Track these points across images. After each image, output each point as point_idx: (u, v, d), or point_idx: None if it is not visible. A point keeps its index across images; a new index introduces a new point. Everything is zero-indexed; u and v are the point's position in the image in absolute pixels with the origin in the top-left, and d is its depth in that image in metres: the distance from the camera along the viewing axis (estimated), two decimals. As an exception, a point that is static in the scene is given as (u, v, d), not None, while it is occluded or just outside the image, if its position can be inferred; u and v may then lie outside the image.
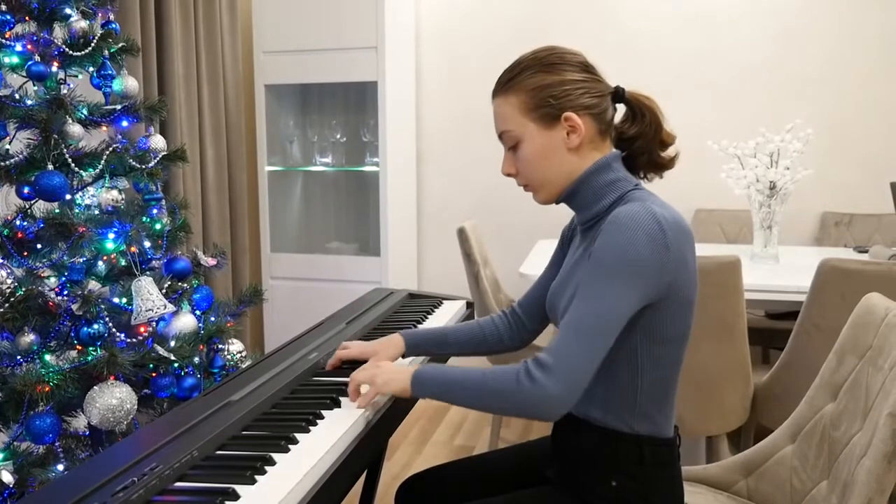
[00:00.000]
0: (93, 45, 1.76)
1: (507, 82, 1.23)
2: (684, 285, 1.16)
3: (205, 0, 3.14)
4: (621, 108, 1.29)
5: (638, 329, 1.16)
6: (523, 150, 1.23)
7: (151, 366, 1.69)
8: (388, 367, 1.25)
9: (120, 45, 1.86)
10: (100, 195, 1.75)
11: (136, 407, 1.58)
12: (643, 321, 1.15)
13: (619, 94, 1.26)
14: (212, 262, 2.03)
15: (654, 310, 1.15)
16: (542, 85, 1.20)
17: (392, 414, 1.31)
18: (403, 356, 1.48)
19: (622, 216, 1.12)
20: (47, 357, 1.60)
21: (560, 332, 1.11)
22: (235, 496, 0.92)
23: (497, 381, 1.12)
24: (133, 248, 1.78)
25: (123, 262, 1.80)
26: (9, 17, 1.66)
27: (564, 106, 1.20)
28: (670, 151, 1.28)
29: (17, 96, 1.66)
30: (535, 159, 1.23)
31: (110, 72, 1.82)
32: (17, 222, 1.69)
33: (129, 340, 1.68)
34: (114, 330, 1.65)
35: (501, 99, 1.24)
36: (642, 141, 1.25)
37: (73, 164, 1.68)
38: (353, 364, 1.40)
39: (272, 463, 1.02)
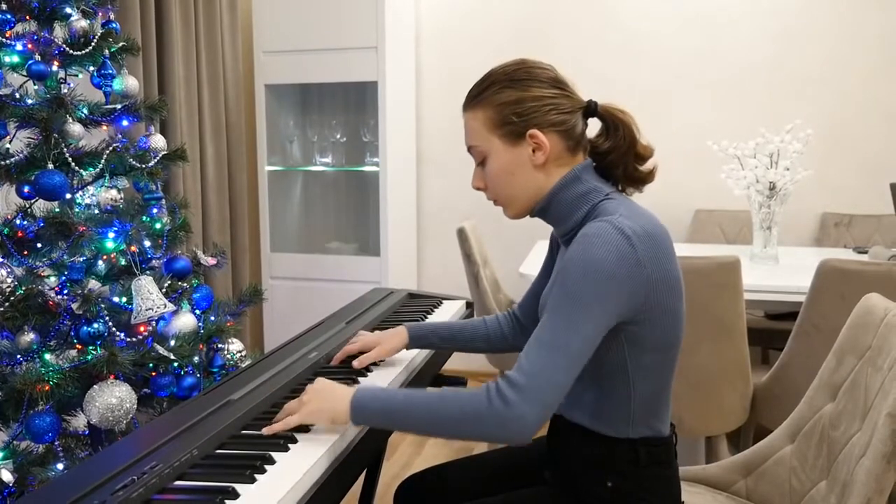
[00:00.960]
0: (93, 44, 1.76)
1: (476, 97, 1.22)
2: (665, 296, 1.13)
3: (205, 0, 3.15)
4: (598, 122, 1.26)
5: (624, 342, 1.15)
6: (490, 166, 1.22)
7: (151, 365, 1.69)
8: (321, 392, 1.15)
9: (120, 44, 1.86)
10: (100, 194, 1.75)
11: (135, 406, 1.58)
12: (628, 334, 1.14)
13: (591, 109, 1.23)
14: (212, 261, 2.03)
15: (637, 323, 1.13)
16: (508, 101, 1.18)
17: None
18: (407, 348, 1.48)
19: (590, 235, 1.09)
20: (47, 356, 1.60)
21: (530, 350, 1.07)
22: (235, 495, 0.92)
23: (462, 403, 1.06)
24: (133, 248, 1.78)
25: (123, 262, 1.80)
26: (9, 16, 1.66)
27: (529, 123, 1.18)
28: (648, 165, 1.24)
29: (17, 95, 1.66)
30: (501, 175, 1.22)
31: (110, 71, 1.82)
32: (18, 221, 1.69)
33: (128, 340, 1.68)
34: (113, 329, 1.65)
35: (470, 114, 1.23)
36: (615, 155, 1.22)
37: (73, 164, 1.68)
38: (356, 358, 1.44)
39: (272, 462, 1.02)
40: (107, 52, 1.81)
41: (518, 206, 1.24)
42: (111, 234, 1.75)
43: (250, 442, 1.10)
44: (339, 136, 3.59)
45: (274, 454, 1.04)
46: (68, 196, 1.68)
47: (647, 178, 1.25)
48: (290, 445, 1.07)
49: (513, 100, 1.18)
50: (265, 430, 1.13)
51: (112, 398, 1.53)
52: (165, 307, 1.71)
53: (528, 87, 1.19)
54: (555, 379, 1.04)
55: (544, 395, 1.03)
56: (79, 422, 1.81)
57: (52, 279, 1.69)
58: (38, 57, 1.68)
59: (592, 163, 1.24)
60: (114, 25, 1.88)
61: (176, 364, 1.74)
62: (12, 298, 1.54)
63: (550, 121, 1.18)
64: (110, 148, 1.76)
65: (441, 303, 2.00)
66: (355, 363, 1.42)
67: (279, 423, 1.13)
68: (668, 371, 1.20)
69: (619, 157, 1.22)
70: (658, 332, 1.15)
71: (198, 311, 1.90)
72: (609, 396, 1.19)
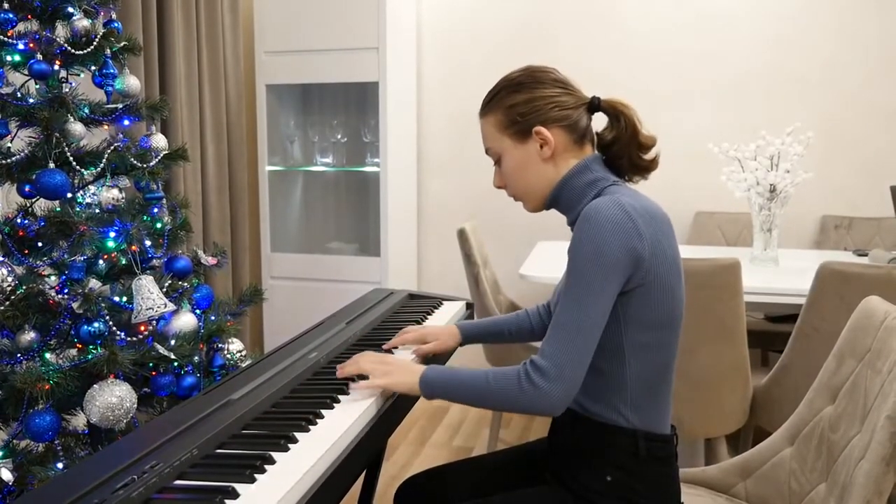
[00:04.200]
0: (95, 43, 1.76)
1: (487, 104, 1.34)
2: (662, 271, 1.19)
3: (206, 0, 3.15)
4: (604, 116, 1.34)
5: (619, 316, 1.20)
6: (505, 165, 1.33)
7: (151, 364, 1.69)
8: (399, 365, 1.29)
9: (122, 44, 1.86)
10: (101, 194, 1.75)
11: (135, 405, 1.58)
12: (623, 308, 1.20)
13: (594, 105, 1.32)
14: (212, 261, 2.03)
15: (633, 296, 1.19)
16: (514, 103, 1.29)
17: (392, 414, 1.31)
18: (460, 345, 1.59)
19: (590, 211, 1.17)
20: (47, 355, 1.60)
21: (550, 334, 1.17)
22: (235, 495, 0.92)
23: (500, 384, 1.18)
24: (134, 247, 1.78)
25: (124, 261, 1.80)
26: (11, 15, 1.66)
27: (533, 121, 1.28)
28: (651, 154, 1.32)
29: (19, 94, 1.66)
30: (514, 172, 1.32)
31: (112, 70, 1.82)
32: (19, 220, 1.69)
33: (129, 339, 1.68)
34: (114, 328, 1.65)
35: (484, 119, 1.35)
36: (619, 145, 1.30)
37: (74, 163, 1.68)
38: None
39: (272, 462, 1.02)
40: (108, 51, 1.81)
41: (534, 198, 1.34)
42: (112, 234, 1.75)
43: (250, 442, 1.10)
44: (339, 137, 3.59)
45: (274, 454, 1.04)
46: (69, 195, 1.68)
47: (651, 166, 1.33)
48: (289, 446, 1.07)
49: (518, 101, 1.29)
50: (354, 387, 1.27)
51: (112, 397, 1.53)
52: (166, 307, 1.71)
53: (532, 89, 1.29)
54: (573, 356, 1.14)
55: (566, 372, 1.14)
56: (79, 421, 1.80)
57: (53, 278, 1.69)
58: (39, 56, 1.68)
59: (601, 155, 1.32)
60: (115, 25, 1.88)
61: (176, 364, 1.74)
62: (13, 297, 1.54)
63: (553, 117, 1.28)
64: (111, 147, 1.76)
65: (441, 304, 2.00)
66: (414, 352, 1.52)
67: (365, 381, 1.26)
68: (663, 355, 1.24)
69: (623, 146, 1.30)
70: (652, 308, 1.20)
71: (198, 311, 1.90)
72: (605, 374, 1.24)
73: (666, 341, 1.23)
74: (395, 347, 1.55)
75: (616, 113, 1.30)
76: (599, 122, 1.32)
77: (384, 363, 1.29)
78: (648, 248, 1.17)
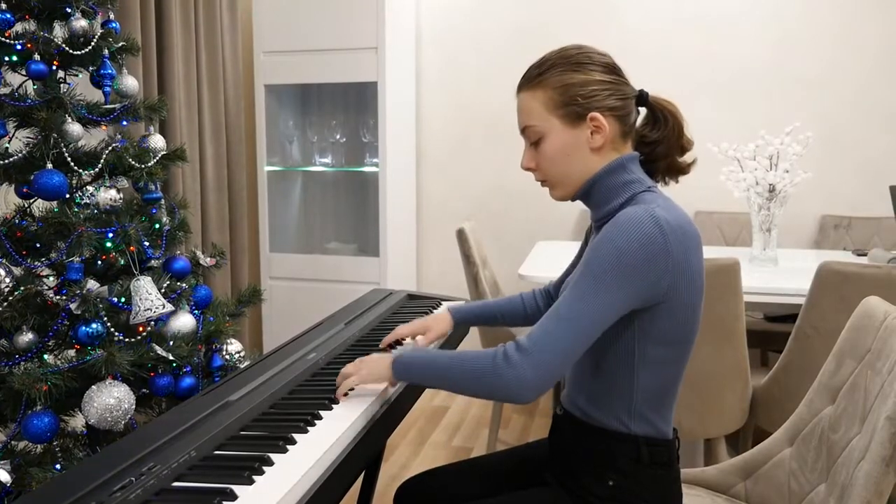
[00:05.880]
0: (93, 44, 1.76)
1: (536, 78, 1.23)
2: (686, 289, 1.15)
3: (205, 0, 3.14)
4: (642, 112, 1.30)
5: (636, 329, 1.16)
6: (546, 146, 1.24)
7: (150, 365, 1.69)
8: (371, 360, 1.28)
9: (120, 44, 1.85)
10: (99, 194, 1.74)
11: (133, 406, 1.58)
12: (641, 322, 1.16)
13: (642, 98, 1.27)
14: (211, 261, 2.03)
15: (652, 312, 1.15)
16: (571, 83, 1.20)
17: (390, 415, 1.31)
18: (453, 330, 1.58)
19: (623, 218, 1.12)
20: (46, 356, 1.60)
21: (544, 320, 1.12)
22: (233, 496, 0.92)
23: (474, 363, 1.13)
24: (132, 248, 1.78)
25: (122, 262, 1.80)
26: (9, 15, 1.66)
27: (591, 106, 1.20)
28: (687, 157, 1.30)
29: (16, 95, 1.65)
30: (557, 156, 1.23)
31: (110, 71, 1.82)
32: (17, 221, 1.69)
33: (127, 340, 1.68)
34: (112, 329, 1.64)
35: (528, 94, 1.24)
36: (665, 146, 1.27)
37: (72, 163, 1.68)
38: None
39: (270, 463, 1.01)
40: (106, 51, 1.81)
41: (567, 186, 1.26)
42: (110, 235, 1.74)
43: (249, 443, 1.10)
44: (338, 137, 3.59)
45: (272, 455, 1.03)
46: (67, 196, 1.67)
47: (687, 169, 1.31)
48: (288, 447, 1.07)
49: (577, 82, 1.20)
50: (337, 394, 1.27)
51: (110, 398, 1.53)
52: (164, 307, 1.71)
53: (589, 71, 1.21)
54: (559, 347, 1.09)
55: (546, 359, 1.08)
56: (77, 422, 1.80)
57: (51, 279, 1.68)
58: (37, 56, 1.68)
59: (639, 155, 1.27)
60: (114, 25, 1.88)
61: (175, 364, 1.74)
62: (11, 298, 1.54)
63: (609, 105, 1.21)
64: (110, 148, 1.76)
65: (440, 304, 1.99)
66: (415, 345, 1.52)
67: (340, 386, 1.26)
68: (673, 368, 1.21)
69: (668, 147, 1.27)
70: (672, 325, 1.16)
71: (197, 312, 1.90)
72: (611, 383, 1.21)
73: (679, 356, 1.20)
74: (390, 345, 1.55)
75: (663, 112, 1.26)
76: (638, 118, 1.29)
77: (358, 362, 1.29)
78: (674, 267, 1.12)
